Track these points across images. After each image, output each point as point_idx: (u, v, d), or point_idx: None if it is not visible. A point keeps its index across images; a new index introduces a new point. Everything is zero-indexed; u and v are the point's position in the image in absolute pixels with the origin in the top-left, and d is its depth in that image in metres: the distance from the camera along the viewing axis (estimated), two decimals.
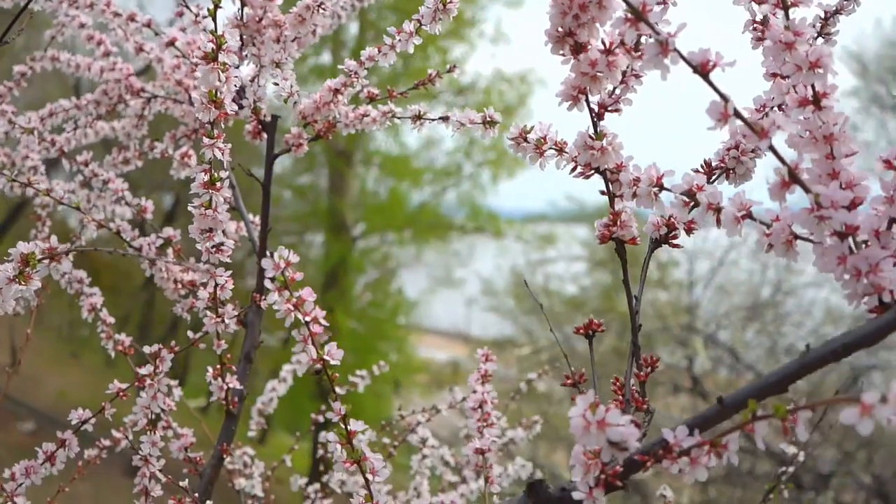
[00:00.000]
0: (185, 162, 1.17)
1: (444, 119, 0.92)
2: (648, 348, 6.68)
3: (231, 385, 0.99)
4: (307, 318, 0.64)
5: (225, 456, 1.01)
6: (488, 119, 0.85)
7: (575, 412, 0.52)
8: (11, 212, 7.91)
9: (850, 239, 0.53)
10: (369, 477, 0.66)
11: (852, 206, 0.54)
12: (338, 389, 0.69)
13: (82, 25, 1.22)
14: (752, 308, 6.69)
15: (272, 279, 0.63)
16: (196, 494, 0.95)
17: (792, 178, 0.52)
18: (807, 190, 0.52)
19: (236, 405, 1.01)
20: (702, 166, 0.71)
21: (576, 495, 0.56)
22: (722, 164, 0.70)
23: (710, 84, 0.52)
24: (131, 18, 1.11)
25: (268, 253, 0.62)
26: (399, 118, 0.99)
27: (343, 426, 0.66)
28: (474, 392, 0.98)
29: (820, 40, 0.73)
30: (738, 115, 0.52)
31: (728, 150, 0.70)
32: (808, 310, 7.45)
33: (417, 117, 0.97)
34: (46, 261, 0.68)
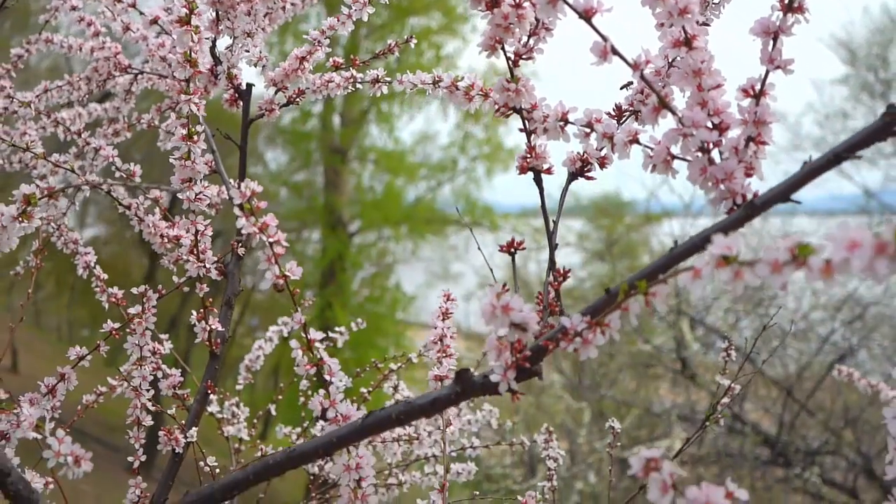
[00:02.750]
0: (170, 133, 1.28)
1: (400, 82, 1.02)
2: (639, 333, 6.79)
3: (214, 327, 1.09)
4: (271, 240, 0.75)
5: (210, 392, 1.12)
6: (437, 79, 0.96)
7: (485, 300, 0.63)
8: None
9: (712, 154, 0.64)
10: (327, 378, 0.77)
11: (720, 129, 0.65)
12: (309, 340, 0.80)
13: (73, 8, 1.33)
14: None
15: (240, 206, 0.73)
16: (183, 423, 1.06)
17: (661, 104, 0.63)
18: (674, 113, 0.63)
19: (218, 346, 1.12)
20: (614, 109, 0.81)
21: (493, 377, 0.66)
22: (630, 107, 0.81)
23: (593, 27, 0.63)
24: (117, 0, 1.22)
25: (234, 183, 0.72)
26: (360, 83, 1.10)
27: (304, 335, 0.77)
28: (435, 328, 1.09)
29: None
30: (615, 51, 0.62)
31: (636, 94, 0.81)
32: (797, 294, 7.60)
33: (376, 81, 1.08)
34: (46, 199, 0.79)
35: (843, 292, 7.54)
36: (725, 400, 1.19)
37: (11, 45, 1.57)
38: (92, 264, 1.24)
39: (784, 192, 0.59)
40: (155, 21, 1.21)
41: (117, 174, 1.24)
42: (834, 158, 0.57)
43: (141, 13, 1.23)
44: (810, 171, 0.58)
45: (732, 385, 1.20)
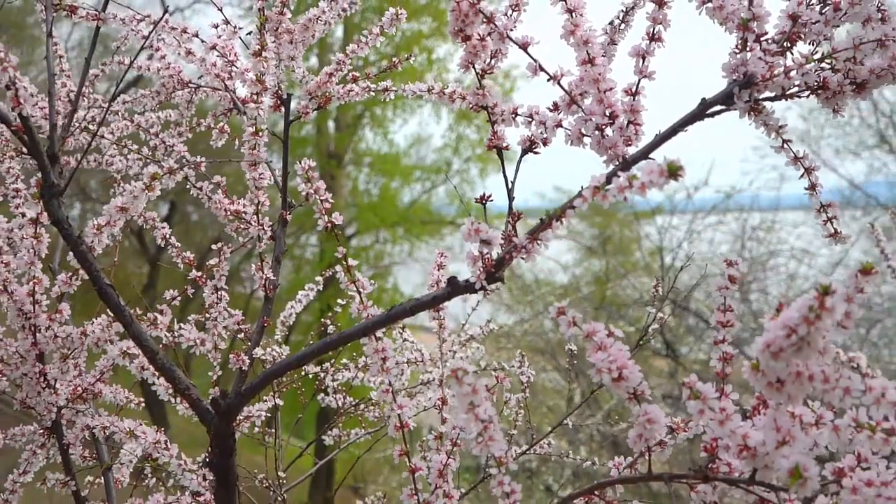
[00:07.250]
0: (222, 132, 1.65)
1: (403, 90, 1.40)
2: (626, 318, 7.18)
3: (268, 276, 1.46)
4: (322, 198, 1.12)
5: (265, 325, 1.49)
6: (430, 87, 1.33)
7: (464, 227, 0.99)
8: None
9: (606, 131, 1.01)
10: (361, 290, 1.14)
11: (612, 116, 1.02)
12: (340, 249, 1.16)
13: (144, 37, 1.70)
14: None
15: (299, 175, 1.11)
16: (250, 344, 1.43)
17: (571, 100, 1.01)
18: (579, 106, 1.00)
19: (272, 291, 1.49)
20: (552, 104, 1.18)
21: (471, 279, 1.03)
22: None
23: (528, 54, 1.00)
24: (184, 31, 1.59)
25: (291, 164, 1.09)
26: (374, 91, 1.48)
27: (345, 262, 1.14)
28: (432, 275, 1.46)
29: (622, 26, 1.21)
30: (541, 68, 1.00)
31: (563, 96, 1.18)
32: (777, 280, 8.02)
33: (387, 89, 1.45)
34: (167, 175, 1.16)
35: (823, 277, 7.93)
36: (655, 326, 1.56)
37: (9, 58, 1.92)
38: (168, 236, 1.61)
39: (645, 153, 0.96)
40: (213, 47, 1.58)
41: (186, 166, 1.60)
42: (672, 131, 0.95)
43: (202, 41, 1.60)
44: (660, 139, 0.95)
45: (663, 317, 1.57)
